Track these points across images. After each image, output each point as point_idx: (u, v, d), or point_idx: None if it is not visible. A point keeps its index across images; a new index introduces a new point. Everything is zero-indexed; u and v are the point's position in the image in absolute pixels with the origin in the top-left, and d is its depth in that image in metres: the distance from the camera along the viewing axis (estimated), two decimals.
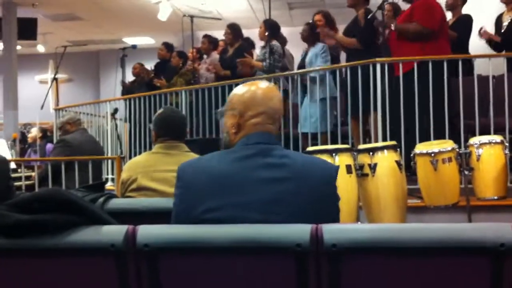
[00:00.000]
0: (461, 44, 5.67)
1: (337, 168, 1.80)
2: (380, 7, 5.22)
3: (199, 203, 1.64)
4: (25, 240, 1.50)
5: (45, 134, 9.74)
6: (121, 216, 1.75)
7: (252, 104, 1.78)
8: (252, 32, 7.60)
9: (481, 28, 5.75)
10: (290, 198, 1.63)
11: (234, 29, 6.90)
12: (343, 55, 6.75)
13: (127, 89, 8.10)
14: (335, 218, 1.74)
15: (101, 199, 2.19)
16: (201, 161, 1.76)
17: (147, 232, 1.50)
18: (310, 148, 4.26)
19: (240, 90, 1.83)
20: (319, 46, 5.94)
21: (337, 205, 1.76)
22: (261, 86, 1.83)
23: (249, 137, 1.75)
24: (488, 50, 5.79)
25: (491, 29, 5.80)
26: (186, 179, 1.71)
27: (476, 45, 5.91)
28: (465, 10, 6.02)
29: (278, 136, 1.80)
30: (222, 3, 10.03)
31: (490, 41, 5.69)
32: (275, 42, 6.47)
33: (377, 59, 5.02)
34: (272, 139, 1.76)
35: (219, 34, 7.65)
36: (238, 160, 1.69)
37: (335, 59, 6.38)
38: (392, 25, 5.12)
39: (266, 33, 6.31)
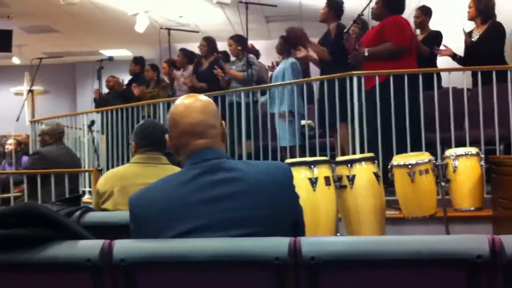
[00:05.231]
0: (430, 59, 5.79)
1: (289, 167, 1.75)
2: (356, 21, 5.26)
3: (155, 237, 1.57)
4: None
5: (20, 146, 9.62)
6: (98, 230, 1.72)
7: (173, 125, 1.74)
8: None
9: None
10: (247, 212, 1.59)
11: (209, 42, 6.95)
12: (312, 69, 6.87)
13: (100, 100, 8.08)
14: (299, 219, 1.73)
15: (78, 213, 2.15)
16: (151, 190, 1.69)
17: (123, 246, 1.48)
18: (288, 161, 4.28)
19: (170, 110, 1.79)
20: (289, 60, 6.01)
21: (299, 204, 1.74)
22: (179, 103, 1.75)
23: (192, 156, 1.69)
24: (455, 64, 5.84)
25: (460, 43, 5.86)
26: (138, 214, 1.66)
27: (446, 59, 5.97)
28: (432, 26, 6.16)
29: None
30: (200, 16, 10.02)
31: (454, 56, 5.76)
32: (252, 55, 6.58)
33: (354, 72, 5.06)
34: (214, 153, 1.69)
35: (197, 47, 7.66)
36: (184, 184, 1.63)
37: (304, 73, 6.48)
38: (365, 52, 5.11)
39: (239, 48, 6.45)
